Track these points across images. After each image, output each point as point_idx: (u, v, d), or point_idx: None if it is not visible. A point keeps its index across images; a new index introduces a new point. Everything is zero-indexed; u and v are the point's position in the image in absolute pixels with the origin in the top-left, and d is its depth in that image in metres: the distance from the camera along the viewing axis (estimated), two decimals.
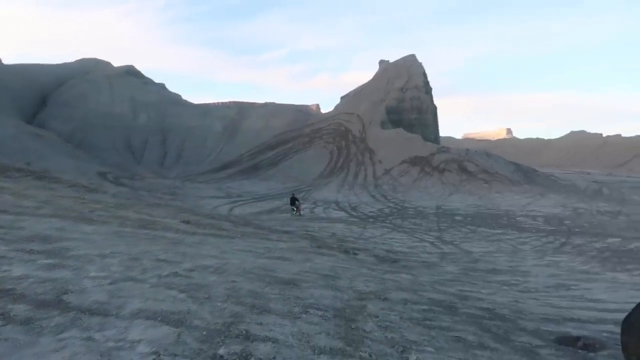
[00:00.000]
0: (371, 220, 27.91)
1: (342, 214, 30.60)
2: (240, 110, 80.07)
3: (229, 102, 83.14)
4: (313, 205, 34.59)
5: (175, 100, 78.15)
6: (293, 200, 30.17)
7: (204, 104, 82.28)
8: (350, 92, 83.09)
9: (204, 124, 73.63)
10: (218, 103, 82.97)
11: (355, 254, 12.92)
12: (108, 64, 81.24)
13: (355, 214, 30.78)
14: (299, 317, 5.21)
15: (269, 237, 13.31)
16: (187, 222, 12.67)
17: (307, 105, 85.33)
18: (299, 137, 70.18)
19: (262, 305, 5.45)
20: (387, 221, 27.50)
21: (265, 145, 69.31)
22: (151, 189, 38.08)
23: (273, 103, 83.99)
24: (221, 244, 10.00)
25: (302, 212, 29.84)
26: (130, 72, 78.13)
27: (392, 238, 20.69)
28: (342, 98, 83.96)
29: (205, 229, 12.15)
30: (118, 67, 78.86)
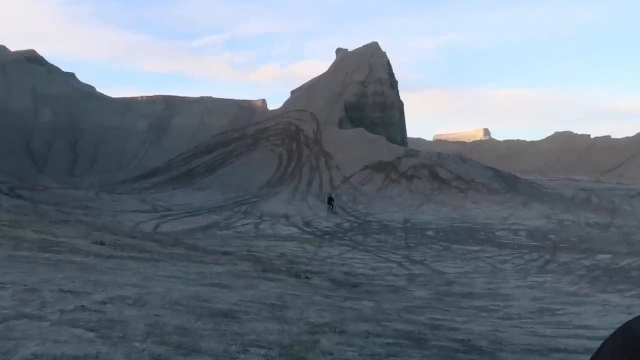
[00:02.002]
0: (327, 237, 27.98)
1: (293, 230, 30.54)
2: (170, 105, 78.80)
3: (156, 95, 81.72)
4: (258, 220, 34.38)
5: (88, 93, 76.06)
6: (330, 200, 40.93)
7: (125, 98, 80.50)
8: (303, 86, 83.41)
9: (124, 123, 71.95)
10: (142, 97, 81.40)
11: (307, 278, 12.87)
12: (2, 48, 78.27)
13: (308, 229, 30.79)
14: (236, 358, 5.09)
15: (204, 260, 13.07)
16: (102, 243, 12.27)
17: (250, 101, 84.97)
18: (241, 139, 69.73)
19: (191, 344, 5.30)
20: (347, 238, 27.65)
21: (200, 148, 68.43)
22: (57, 202, 36.77)
23: (210, 97, 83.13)
24: (144, 269, 9.72)
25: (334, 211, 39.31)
26: (31, 59, 75.45)
27: (352, 258, 20.79)
28: (292, 92, 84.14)
29: (124, 251, 11.79)
30: (15, 53, 76.00)
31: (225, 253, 17.00)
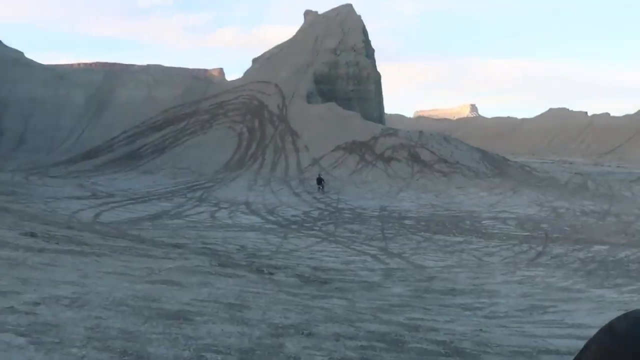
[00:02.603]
0: (294, 227, 28.06)
1: (254, 219, 30.53)
2: (111, 75, 77.48)
3: (95, 63, 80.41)
4: (214, 208, 34.26)
5: (15, 59, 74.14)
6: (320, 180, 44.46)
7: (58, 65, 78.91)
8: (266, 54, 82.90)
9: (57, 94, 70.48)
10: (79, 64, 79.93)
11: (271, 273, 12.92)
12: None
13: (272, 218, 30.82)
14: None
15: (152, 254, 12.99)
16: (32, 235, 12.09)
17: (206, 70, 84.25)
18: (195, 114, 69.07)
19: (138, 349, 5.30)
20: (316, 228, 27.78)
21: (147, 125, 67.57)
22: None
23: (159, 66, 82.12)
24: (82, 264, 9.62)
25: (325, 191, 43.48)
26: None
27: (321, 251, 20.92)
28: (254, 61, 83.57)
29: (59, 244, 11.65)
30: None
31: (177, 246, 16.92)
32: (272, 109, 66.17)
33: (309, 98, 67.01)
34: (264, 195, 41.69)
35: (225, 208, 34.62)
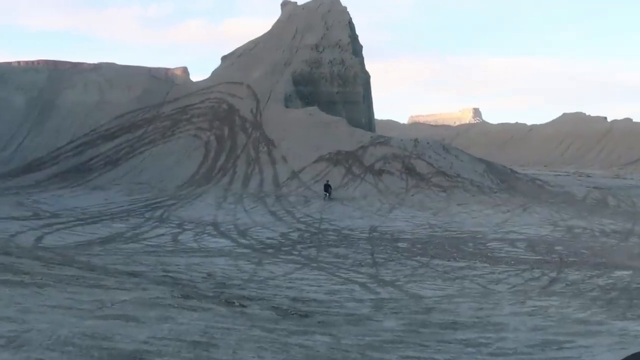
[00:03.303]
0: (270, 251, 27.95)
1: (224, 242, 30.37)
2: (57, 75, 77.03)
3: (38, 61, 79.72)
4: (177, 230, 34.06)
5: None
6: (327, 187, 48.50)
7: None
8: (237, 51, 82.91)
9: None
10: (19, 63, 79.27)
11: (243, 306, 12.86)
12: None
13: (245, 241, 30.68)
14: None
15: (104, 284, 12.88)
16: None
17: (168, 69, 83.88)
18: (154, 120, 68.88)
19: None
20: (295, 252, 27.68)
21: (98, 133, 67.22)
22: None
23: (112, 64, 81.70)
24: (22, 297, 9.52)
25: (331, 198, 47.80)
26: None
27: (302, 279, 20.84)
28: (224, 59, 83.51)
29: None
30: None
31: (133, 274, 16.78)
32: (245, 114, 66.14)
33: (287, 101, 67.10)
34: (235, 214, 41.51)
35: (190, 229, 34.40)
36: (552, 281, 21.88)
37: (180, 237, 31.52)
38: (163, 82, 78.77)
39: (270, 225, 37.11)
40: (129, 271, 17.65)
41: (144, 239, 30.40)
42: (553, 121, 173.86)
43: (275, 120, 63.44)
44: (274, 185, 52.60)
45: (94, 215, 39.32)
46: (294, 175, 54.08)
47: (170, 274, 18.63)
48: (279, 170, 55.47)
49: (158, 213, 40.65)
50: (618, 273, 23.40)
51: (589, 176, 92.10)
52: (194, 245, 29.26)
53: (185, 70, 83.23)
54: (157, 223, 36.67)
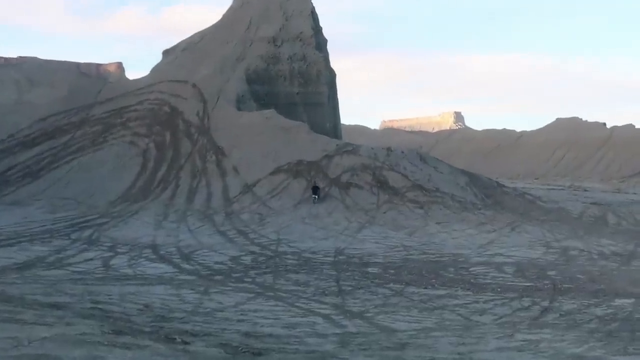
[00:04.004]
0: (218, 278, 27.78)
1: (164, 267, 30.11)
2: None
3: None
4: (109, 253, 33.70)
5: None
6: (315, 189, 51.38)
7: None
8: (181, 44, 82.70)
9: None
10: None
11: (186, 343, 12.76)
12: None
13: (189, 267, 30.45)
14: None
15: (21, 318, 12.69)
16: None
17: (99, 65, 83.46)
18: (83, 125, 68.33)
19: None
20: (248, 279, 27.56)
21: (16, 140, 66.45)
22: None
23: (34, 59, 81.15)
24: None
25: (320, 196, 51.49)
26: None
27: (255, 310, 20.74)
28: (165, 54, 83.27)
29: None
30: None
31: (55, 306, 16.55)
32: (190, 117, 65.89)
33: (240, 103, 67.01)
34: (178, 234, 41.23)
35: (124, 253, 34.05)
36: (544, 311, 22.07)
37: (112, 262, 31.16)
38: (94, 80, 78.34)
39: (218, 248, 36.90)
40: (50, 302, 17.40)
41: (70, 265, 30.01)
42: (545, 127, 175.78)
43: (226, 125, 63.25)
44: (223, 200, 52.35)
45: (10, 236, 38.72)
46: (247, 189, 53.92)
47: (99, 306, 18.40)
48: (230, 183, 55.26)
49: (86, 234, 40.17)
50: (619, 301, 23.68)
51: (586, 190, 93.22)
52: (129, 271, 28.95)
53: (119, 66, 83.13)
54: (85, 245, 36.25)
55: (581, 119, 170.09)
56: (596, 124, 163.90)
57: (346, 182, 53.62)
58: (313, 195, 51.32)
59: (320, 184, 52.56)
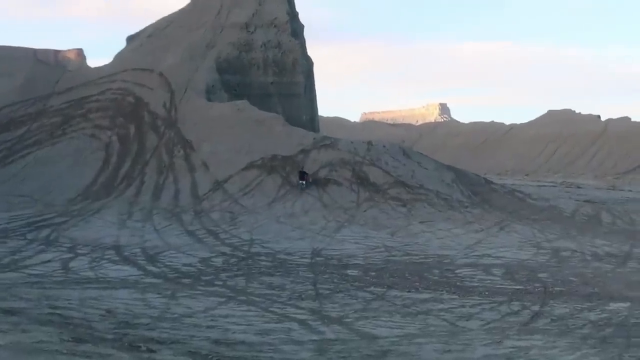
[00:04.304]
0: (187, 281, 27.70)
1: (128, 270, 29.98)
2: None
3: None
4: (68, 255, 33.52)
5: None
6: (303, 174, 52.80)
7: None
8: (147, 29, 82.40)
9: None
10: None
11: (152, 351, 12.72)
12: None
13: (155, 269, 30.36)
14: None
15: None
16: None
17: (58, 52, 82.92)
18: (40, 116, 67.99)
19: None
20: (219, 282, 27.50)
21: None
22: None
23: None
24: None
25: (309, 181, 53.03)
26: None
27: (226, 316, 20.71)
28: (130, 40, 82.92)
29: None
30: None
31: (10, 312, 16.43)
32: (156, 109, 65.65)
33: (210, 94, 66.81)
34: (143, 234, 41.08)
35: (85, 254, 33.89)
36: (535, 316, 22.19)
37: (72, 264, 31.01)
38: (52, 68, 77.89)
39: (187, 249, 36.81)
40: (5, 308, 17.28)
41: (26, 267, 29.85)
42: (536, 120, 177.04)
43: (195, 117, 63.06)
44: (192, 198, 52.22)
45: None
46: (218, 185, 53.81)
47: (58, 312, 18.30)
48: (199, 180, 55.12)
49: (44, 233, 39.93)
50: (613, 305, 23.86)
51: (579, 187, 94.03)
52: (90, 274, 28.81)
53: (80, 53, 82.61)
54: (42, 246, 36.04)
55: (574, 111, 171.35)
56: (590, 116, 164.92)
57: (324, 178, 53.63)
58: (300, 181, 52.35)
59: (308, 170, 53.49)
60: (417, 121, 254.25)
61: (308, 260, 34.03)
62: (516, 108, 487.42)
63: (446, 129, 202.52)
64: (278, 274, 30.10)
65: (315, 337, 18.22)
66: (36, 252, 33.96)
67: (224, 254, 35.62)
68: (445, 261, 34.43)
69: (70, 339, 12.27)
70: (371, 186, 52.84)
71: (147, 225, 44.43)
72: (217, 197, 52.00)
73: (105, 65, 78.93)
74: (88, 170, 58.22)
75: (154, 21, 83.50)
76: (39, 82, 73.49)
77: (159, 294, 24.13)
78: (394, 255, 36.16)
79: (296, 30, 75.23)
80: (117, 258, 33.31)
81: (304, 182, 52.19)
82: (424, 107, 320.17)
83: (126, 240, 38.97)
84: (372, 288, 27.08)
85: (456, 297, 25.50)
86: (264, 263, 33.17)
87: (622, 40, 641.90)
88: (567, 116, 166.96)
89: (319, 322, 20.45)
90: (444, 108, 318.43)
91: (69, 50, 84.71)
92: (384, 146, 60.56)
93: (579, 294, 26.17)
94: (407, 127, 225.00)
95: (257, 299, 24.14)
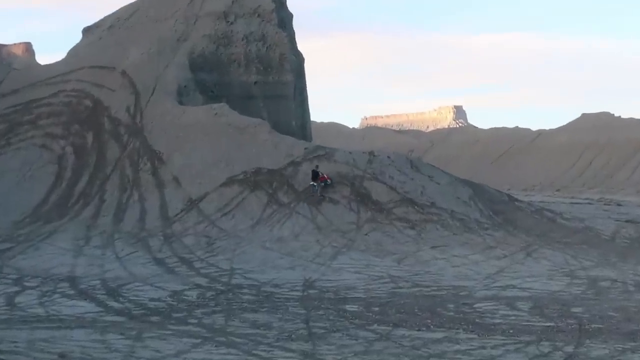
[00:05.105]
0: (155, 319, 27.69)
1: (85, 306, 29.97)
2: None
3: None
4: (14, 288, 33.52)
5: None
6: (316, 174, 52.45)
7: None
8: (107, 20, 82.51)
9: None
10: None
11: None
12: None
13: (117, 305, 30.34)
14: None
15: None
16: None
17: (3, 46, 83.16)
18: None
19: None
20: (193, 320, 27.48)
21: None
22: None
23: None
24: None
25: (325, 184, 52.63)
26: None
27: None
28: (86, 32, 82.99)
29: None
30: None
31: None
32: (118, 114, 65.65)
33: (182, 96, 66.87)
34: (103, 264, 41.10)
35: (34, 288, 33.91)
36: (568, 358, 22.21)
37: (18, 300, 31.02)
38: None
39: (155, 280, 36.86)
40: None
41: None
42: (568, 125, 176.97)
43: (164, 123, 63.07)
44: (161, 219, 52.20)
45: None
46: (192, 204, 53.80)
47: (2, 356, 18.30)
48: (169, 198, 55.10)
49: None
50: None
51: (619, 205, 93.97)
52: (40, 311, 28.82)
53: (28, 47, 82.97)
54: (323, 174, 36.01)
55: (613, 114, 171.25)
56: (632, 120, 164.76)
57: (317, 197, 53.62)
58: (312, 183, 52.43)
59: (323, 171, 53.53)
60: (427, 127, 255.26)
61: (299, 294, 34.04)
62: (544, 111, 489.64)
63: (462, 136, 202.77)
64: (263, 309, 30.08)
65: None
66: None
67: (199, 286, 35.61)
68: (461, 294, 34.40)
69: None
70: (373, 205, 52.77)
71: (108, 252, 44.40)
72: (191, 219, 51.95)
73: (58, 62, 79.01)
74: (38, 187, 58.16)
75: (115, 10, 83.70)
76: None
77: (121, 334, 24.13)
78: (401, 287, 36.16)
79: (284, 20, 75.34)
80: (72, 292, 33.29)
81: (315, 185, 52.48)
82: (435, 110, 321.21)
83: (83, 270, 38.97)
84: (375, 326, 27.07)
85: (475, 336, 25.49)
86: (246, 297, 33.16)
87: None
88: (604, 121, 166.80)
89: None
90: (459, 111, 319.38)
91: (14, 44, 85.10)
92: (389, 157, 60.40)
93: (620, 332, 26.13)
94: (416, 134, 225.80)
95: (238, 340, 24.13)
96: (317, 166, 53.69)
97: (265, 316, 28.69)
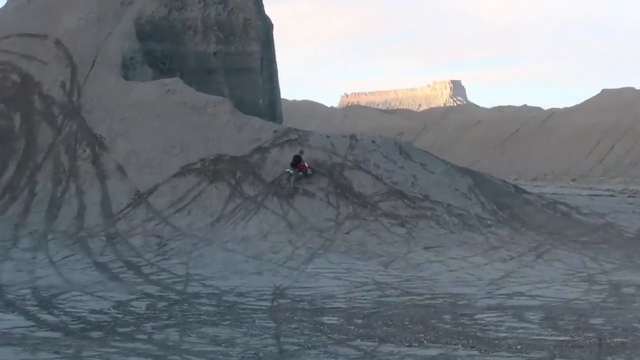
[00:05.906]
0: (96, 335, 27.63)
1: (13, 319, 29.91)
2: None
3: None
4: None
5: None
6: (298, 160, 53.01)
7: None
8: None
9: None
10: None
11: None
12: None
13: (51, 318, 30.27)
14: None
15: None
16: None
17: None
18: None
19: None
20: (142, 336, 27.44)
21: None
22: None
23: None
24: None
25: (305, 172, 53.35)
26: None
27: None
28: None
29: None
30: None
31: None
32: (51, 90, 65.45)
33: (127, 69, 66.70)
34: (34, 269, 40.99)
35: None
36: None
37: None
38: None
39: (96, 289, 36.77)
40: None
41: None
42: (585, 104, 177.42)
43: (106, 102, 62.91)
44: (103, 217, 52.06)
45: None
46: (140, 199, 53.70)
47: None
48: (113, 191, 54.93)
49: None
50: None
51: None
52: None
53: None
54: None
55: (635, 87, 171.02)
56: None
57: (289, 188, 53.56)
58: (288, 170, 53.18)
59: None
60: (419, 106, 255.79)
61: (268, 304, 34.02)
62: (557, 87, 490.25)
63: (460, 117, 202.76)
64: (225, 323, 30.07)
65: None
66: None
67: (148, 295, 35.56)
68: (460, 302, 34.45)
69: None
70: (356, 198, 52.73)
71: (40, 255, 44.28)
72: (139, 215, 51.82)
73: None
74: None
75: None
76: None
77: (56, 352, 24.06)
78: (388, 295, 36.17)
79: None
80: None
81: (291, 173, 53.08)
82: (429, 86, 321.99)
83: (10, 277, 38.84)
84: (357, 342, 27.07)
85: (476, 353, 25.53)
86: (205, 308, 33.11)
87: None
88: (628, 98, 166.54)
89: None
90: (456, 87, 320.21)
91: None
92: (373, 141, 60.32)
93: None
94: (406, 114, 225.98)
95: (195, 358, 24.11)
96: (301, 151, 53.87)
97: (227, 331, 28.66)
